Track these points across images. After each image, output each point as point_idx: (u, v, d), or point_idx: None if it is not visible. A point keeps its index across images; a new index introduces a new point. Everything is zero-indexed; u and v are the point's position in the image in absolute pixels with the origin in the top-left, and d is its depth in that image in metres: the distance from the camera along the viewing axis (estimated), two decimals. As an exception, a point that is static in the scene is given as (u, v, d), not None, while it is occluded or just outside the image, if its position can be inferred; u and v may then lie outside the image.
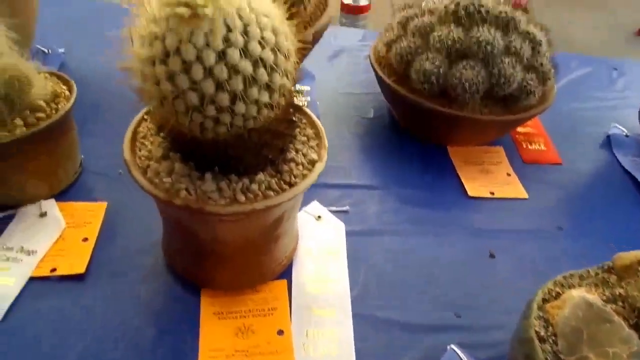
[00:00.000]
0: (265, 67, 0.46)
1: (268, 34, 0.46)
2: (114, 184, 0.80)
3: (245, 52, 0.45)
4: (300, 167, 0.58)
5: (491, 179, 0.89)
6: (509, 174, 0.91)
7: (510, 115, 0.86)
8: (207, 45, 0.44)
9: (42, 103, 0.71)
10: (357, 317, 0.64)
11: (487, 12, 0.85)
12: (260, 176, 0.55)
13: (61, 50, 1.07)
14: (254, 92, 0.46)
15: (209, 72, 0.44)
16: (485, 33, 0.83)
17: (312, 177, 0.57)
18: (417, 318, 0.65)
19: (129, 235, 0.72)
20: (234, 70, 0.45)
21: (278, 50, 0.47)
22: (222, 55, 0.44)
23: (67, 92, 0.75)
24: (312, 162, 0.59)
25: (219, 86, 0.45)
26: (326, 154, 0.60)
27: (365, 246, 0.74)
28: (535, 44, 0.87)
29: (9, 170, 0.69)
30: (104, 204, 0.76)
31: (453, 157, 0.93)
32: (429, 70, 0.84)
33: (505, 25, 0.85)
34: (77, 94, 0.74)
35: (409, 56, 0.87)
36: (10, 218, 0.72)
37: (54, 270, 0.66)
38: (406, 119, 0.97)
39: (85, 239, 0.71)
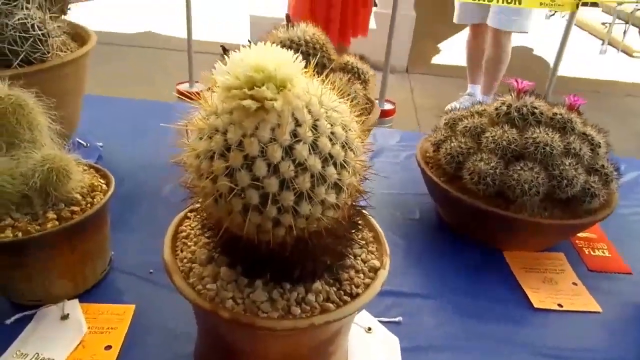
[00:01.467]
0: (335, 164, 0.42)
1: (338, 130, 0.42)
2: (144, 284, 0.74)
3: (314, 147, 0.41)
4: (361, 275, 0.52)
5: (557, 289, 0.80)
6: (575, 284, 0.82)
7: (575, 220, 0.79)
8: (274, 139, 0.40)
9: (78, 196, 0.67)
10: None
11: (542, 113, 0.83)
12: (318, 285, 0.49)
13: (99, 144, 1.07)
14: (321, 191, 0.41)
15: (274, 168, 0.40)
16: (542, 134, 0.79)
17: (376, 287, 0.50)
18: None
19: (157, 343, 0.64)
20: (301, 167, 0.40)
21: (348, 146, 0.43)
22: (289, 151, 0.40)
23: (104, 186, 0.71)
24: (374, 269, 0.52)
25: (284, 184, 0.40)
26: (389, 261, 0.53)
27: (423, 366, 0.64)
28: (594, 146, 0.82)
29: (35, 265, 0.64)
30: (132, 307, 0.69)
31: (511, 264, 0.85)
32: (484, 170, 0.79)
33: (562, 127, 0.82)
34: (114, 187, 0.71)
35: (460, 157, 0.83)
36: (29, 318, 0.66)
37: (70, 385, 0.58)
38: (458, 221, 0.91)
39: (109, 347, 0.63)
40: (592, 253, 0.90)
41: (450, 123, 0.91)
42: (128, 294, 0.72)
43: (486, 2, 2.39)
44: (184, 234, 0.55)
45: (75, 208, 0.65)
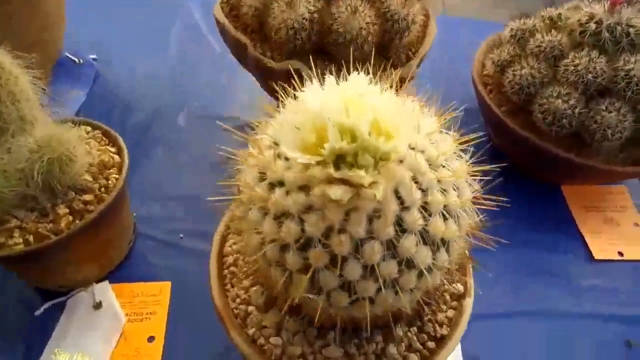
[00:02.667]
0: (447, 248, 0.31)
1: (452, 199, 0.31)
2: (176, 253, 0.67)
3: (424, 235, 0.30)
4: (444, 307, 0.44)
5: (618, 233, 0.74)
6: (637, 224, 0.76)
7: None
8: (371, 235, 0.29)
9: (88, 177, 0.56)
10: None
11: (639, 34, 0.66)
12: (398, 331, 0.42)
13: (92, 57, 0.90)
14: (426, 281, 0.32)
15: (370, 270, 0.29)
16: (637, 65, 0.65)
17: (463, 325, 0.43)
18: None
19: (202, 329, 0.59)
20: (407, 264, 0.30)
21: (461, 216, 0.32)
22: (391, 245, 0.29)
23: (116, 157, 0.60)
24: (457, 297, 0.45)
25: (384, 285, 0.30)
26: (473, 284, 0.45)
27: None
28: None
29: (56, 262, 0.56)
30: (168, 285, 0.64)
31: (569, 201, 0.77)
32: (561, 110, 0.66)
33: (663, 52, 0.67)
34: (127, 151, 0.59)
35: (531, 87, 0.70)
36: (61, 307, 0.60)
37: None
38: (512, 151, 0.80)
39: (151, 338, 0.59)
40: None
41: (519, 36, 0.74)
42: (159, 267, 0.66)
43: None
44: (230, 259, 0.46)
45: (88, 197, 0.55)
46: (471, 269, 0.46)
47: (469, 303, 0.44)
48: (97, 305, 0.60)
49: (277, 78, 0.48)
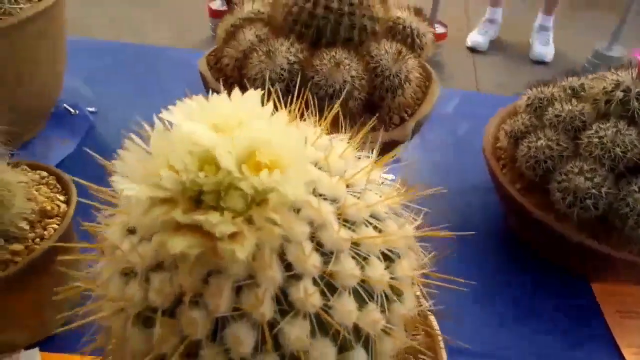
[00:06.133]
0: (365, 344, 0.21)
1: (376, 275, 0.21)
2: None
3: (320, 324, 0.20)
4: None
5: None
6: (687, 338, 0.61)
7: None
8: (238, 314, 0.20)
9: (24, 226, 0.50)
10: None
11: (678, 104, 0.57)
12: None
13: (91, 109, 0.88)
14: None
15: (239, 365, 0.20)
16: (677, 140, 0.55)
17: None
18: None
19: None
20: (293, 363, 0.20)
21: (393, 297, 0.22)
22: (269, 334, 0.20)
23: (63, 205, 0.54)
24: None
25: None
26: None
27: None
28: None
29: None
30: (106, 360, 0.54)
31: (601, 302, 0.64)
32: (583, 188, 0.56)
33: None
34: (76, 202, 0.53)
35: (548, 161, 0.60)
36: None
37: None
38: (529, 235, 0.69)
39: None
40: None
41: (536, 105, 0.66)
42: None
43: None
44: None
45: (18, 246, 0.48)
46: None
47: None
48: (18, 377, 0.52)
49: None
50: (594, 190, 0.56)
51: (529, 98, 0.67)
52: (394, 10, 0.64)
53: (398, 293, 0.22)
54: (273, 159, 0.20)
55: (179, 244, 0.18)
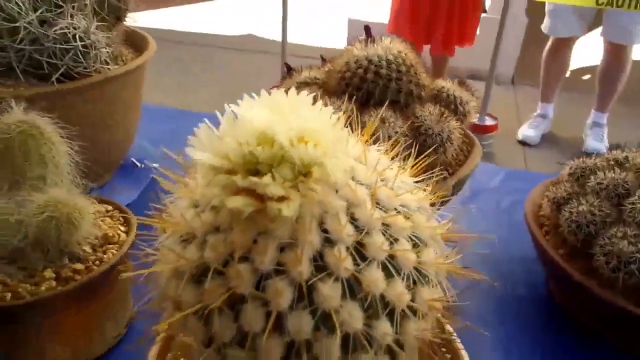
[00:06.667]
0: (391, 315, 0.23)
1: (404, 254, 0.24)
2: None
3: (352, 289, 0.23)
4: None
5: None
6: None
7: None
8: (280, 270, 0.22)
9: (87, 249, 0.55)
10: None
11: None
12: None
13: (154, 165, 0.96)
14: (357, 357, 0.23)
15: (275, 322, 0.22)
16: None
17: None
18: None
19: None
20: (326, 324, 0.22)
21: (419, 279, 0.24)
22: (307, 292, 0.22)
23: (123, 235, 0.58)
24: None
25: (293, 350, 0.23)
26: None
27: None
28: None
29: (25, 332, 0.52)
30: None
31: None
32: (627, 253, 0.56)
33: None
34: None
35: (591, 226, 0.60)
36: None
37: None
38: (574, 305, 0.67)
39: None
40: None
41: (579, 174, 0.68)
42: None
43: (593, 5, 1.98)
44: None
45: (79, 266, 0.53)
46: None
47: None
48: (59, 397, 0.54)
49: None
50: (638, 255, 0.55)
51: (571, 167, 0.69)
52: (439, 81, 0.70)
53: (424, 276, 0.24)
54: (318, 143, 0.23)
55: (236, 201, 0.21)
